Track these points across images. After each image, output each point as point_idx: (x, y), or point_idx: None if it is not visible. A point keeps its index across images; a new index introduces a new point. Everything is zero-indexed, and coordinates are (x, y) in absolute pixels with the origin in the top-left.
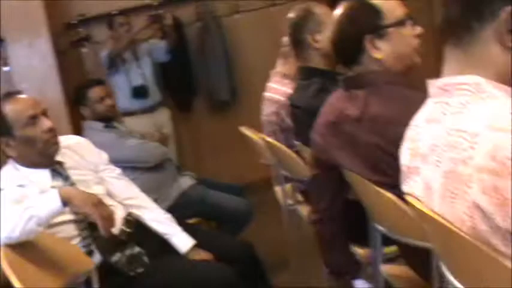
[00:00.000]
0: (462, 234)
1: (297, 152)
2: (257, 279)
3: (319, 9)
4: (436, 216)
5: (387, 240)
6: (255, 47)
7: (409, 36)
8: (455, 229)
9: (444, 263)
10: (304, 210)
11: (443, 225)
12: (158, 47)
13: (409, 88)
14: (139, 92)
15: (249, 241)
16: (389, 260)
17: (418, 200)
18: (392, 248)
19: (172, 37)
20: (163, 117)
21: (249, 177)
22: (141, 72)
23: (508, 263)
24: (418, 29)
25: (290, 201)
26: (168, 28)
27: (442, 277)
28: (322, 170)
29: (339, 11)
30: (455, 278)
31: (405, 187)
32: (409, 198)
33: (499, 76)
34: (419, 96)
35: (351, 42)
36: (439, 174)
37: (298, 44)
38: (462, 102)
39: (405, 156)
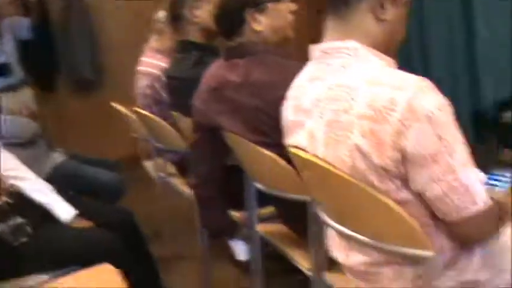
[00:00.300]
0: (342, 173)
1: (172, 124)
2: (137, 245)
3: None
4: (318, 161)
5: (263, 202)
6: (120, 25)
7: (285, 11)
8: (336, 170)
9: (323, 208)
10: (176, 182)
11: (325, 168)
12: (20, 24)
13: (284, 57)
14: (0, 70)
15: (129, 208)
16: (265, 220)
17: (303, 150)
18: (268, 209)
19: (35, 14)
20: (26, 96)
21: (120, 152)
22: (2, 50)
23: (381, 197)
24: (293, 6)
25: (162, 174)
26: (31, 5)
27: (318, 227)
28: (203, 135)
29: None
30: (334, 220)
31: (289, 140)
32: (292, 150)
33: (373, 44)
34: (294, 64)
35: (233, 15)
36: (322, 124)
37: (177, 18)
38: (342, 63)
39: (288, 113)
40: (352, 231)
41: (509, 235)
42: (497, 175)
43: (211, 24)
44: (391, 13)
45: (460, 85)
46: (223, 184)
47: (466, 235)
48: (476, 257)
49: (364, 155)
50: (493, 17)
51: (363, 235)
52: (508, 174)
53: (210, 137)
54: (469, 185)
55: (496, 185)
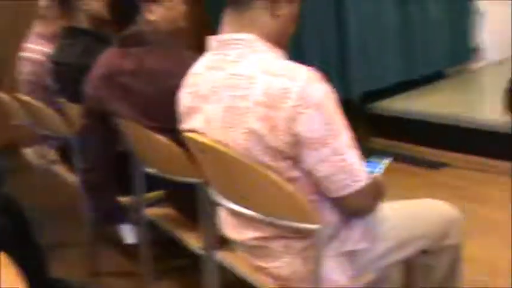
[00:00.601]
0: (236, 155)
1: (58, 110)
2: (24, 231)
3: None
4: (213, 143)
5: (152, 187)
6: None
7: (178, 2)
8: (230, 152)
9: (216, 189)
10: (59, 168)
11: (220, 149)
12: None
13: (177, 46)
14: None
15: (11, 193)
16: (153, 204)
17: (199, 133)
18: (156, 193)
19: None
20: None
21: None
22: None
23: (273, 176)
24: None
25: (43, 161)
26: None
27: (208, 207)
28: (93, 121)
29: None
30: (228, 199)
31: (186, 125)
32: (188, 134)
33: (267, 37)
34: (189, 53)
35: (128, 4)
36: (219, 110)
37: (65, 4)
38: (239, 54)
39: (185, 99)
40: (245, 208)
41: (384, 209)
42: (373, 162)
43: (101, 12)
44: (285, 10)
45: (330, 77)
46: (112, 170)
47: (351, 209)
48: (357, 229)
49: (259, 138)
50: (364, 12)
51: (256, 212)
52: (382, 161)
53: (100, 124)
54: (353, 165)
55: (373, 171)
